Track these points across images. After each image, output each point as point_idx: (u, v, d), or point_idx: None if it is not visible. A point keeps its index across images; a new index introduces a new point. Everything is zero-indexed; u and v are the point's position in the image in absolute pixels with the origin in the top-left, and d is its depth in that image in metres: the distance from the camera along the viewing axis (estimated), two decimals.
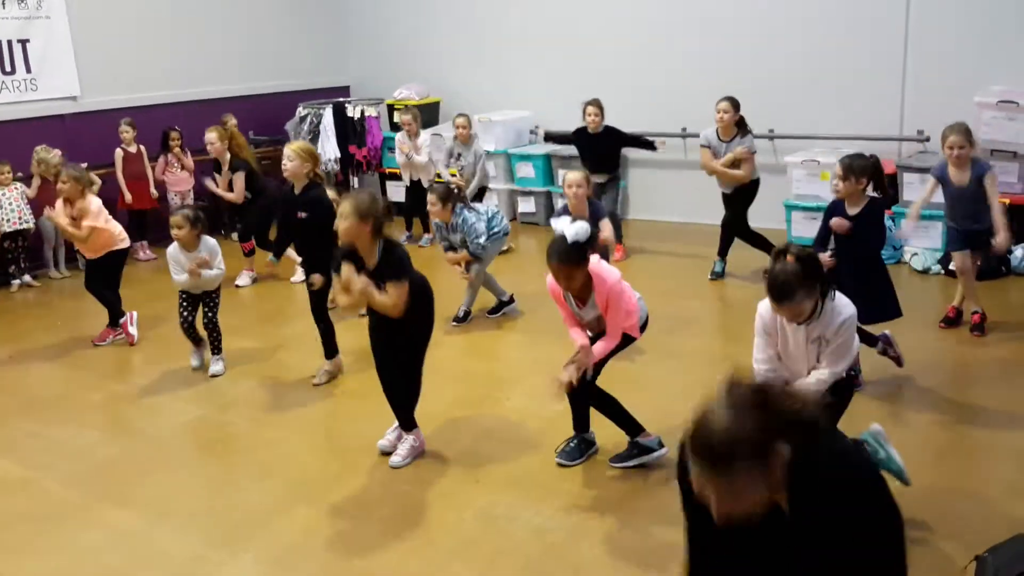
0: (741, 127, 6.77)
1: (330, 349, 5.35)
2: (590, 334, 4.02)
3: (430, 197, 6.17)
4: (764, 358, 3.51)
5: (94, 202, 5.95)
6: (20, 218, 7.64)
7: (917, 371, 5.16)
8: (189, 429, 4.91)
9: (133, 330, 6.18)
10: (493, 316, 6.38)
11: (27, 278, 7.80)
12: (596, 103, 7.46)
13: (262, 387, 5.35)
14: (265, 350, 5.97)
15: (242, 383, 5.42)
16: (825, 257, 4.67)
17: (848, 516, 1.92)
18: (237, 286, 7.43)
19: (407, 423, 4.34)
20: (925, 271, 6.93)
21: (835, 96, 7.89)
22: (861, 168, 4.72)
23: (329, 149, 9.53)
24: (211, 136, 7.33)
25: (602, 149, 7.51)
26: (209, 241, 5.46)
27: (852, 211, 4.79)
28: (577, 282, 3.79)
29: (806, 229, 7.57)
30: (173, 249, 5.40)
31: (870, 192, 4.84)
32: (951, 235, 5.70)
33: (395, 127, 9.62)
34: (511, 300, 6.48)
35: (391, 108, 9.93)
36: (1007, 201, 6.52)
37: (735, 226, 6.97)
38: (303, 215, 5.10)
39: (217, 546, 3.68)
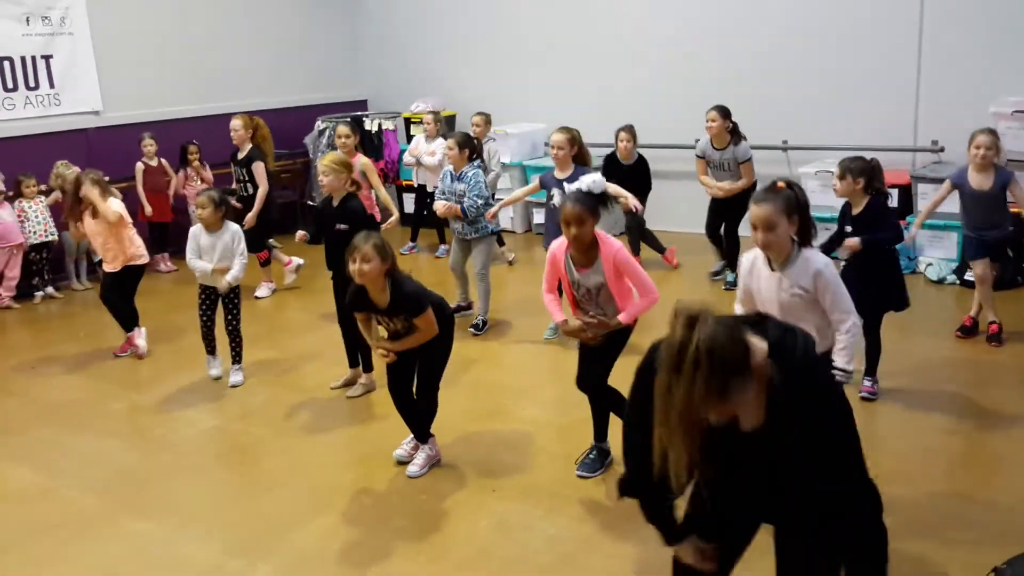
0: (734, 135, 6.77)
1: (362, 360, 5.39)
2: (584, 317, 3.97)
3: (448, 142, 6.29)
4: (738, 302, 3.60)
5: (115, 203, 6.00)
6: (46, 231, 7.75)
7: (933, 380, 5.16)
8: (208, 439, 4.97)
9: (141, 342, 6.23)
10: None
11: (50, 289, 7.91)
12: (629, 129, 7.27)
13: (279, 397, 5.41)
14: (282, 360, 6.02)
15: (260, 393, 5.48)
16: (852, 241, 4.78)
17: (817, 416, 2.09)
18: (257, 297, 7.50)
19: (423, 436, 4.39)
20: (940, 281, 6.92)
21: (849, 107, 7.90)
22: (859, 169, 4.78)
23: None
24: (236, 123, 7.28)
25: (635, 179, 7.04)
26: (232, 225, 5.49)
27: (855, 211, 4.86)
28: (586, 233, 3.78)
29: (820, 240, 7.57)
30: (195, 229, 5.47)
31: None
32: (968, 243, 5.70)
33: (412, 140, 9.71)
34: (468, 307, 6.62)
35: (408, 121, 10.01)
36: (1022, 212, 6.49)
37: (720, 230, 7.03)
38: (343, 227, 5.05)
39: (236, 555, 3.72)
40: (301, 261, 7.70)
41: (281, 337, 6.58)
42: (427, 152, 8.43)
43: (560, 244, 3.96)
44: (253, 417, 5.17)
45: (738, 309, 3.56)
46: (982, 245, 5.56)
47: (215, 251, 5.42)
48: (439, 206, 6.30)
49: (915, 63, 7.70)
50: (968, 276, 6.59)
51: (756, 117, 7.70)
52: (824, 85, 8.00)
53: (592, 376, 4.07)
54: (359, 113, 10.17)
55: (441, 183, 6.45)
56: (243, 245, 5.48)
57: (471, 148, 6.34)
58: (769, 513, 2.36)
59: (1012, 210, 5.76)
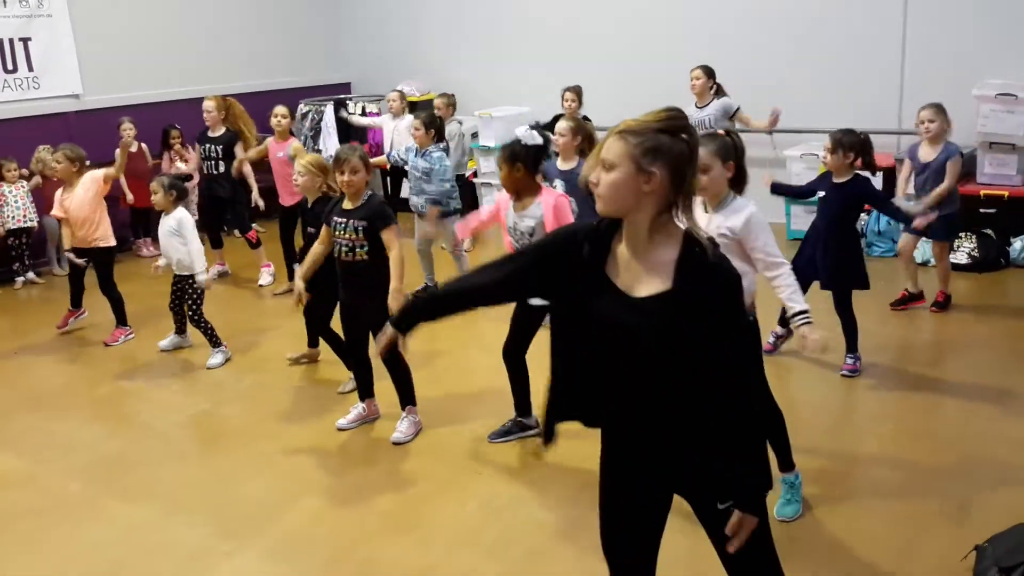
0: (718, 92, 6.91)
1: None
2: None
3: (415, 122, 6.38)
4: None
5: (92, 172, 6.02)
6: (25, 216, 7.67)
7: (913, 359, 5.21)
8: (193, 423, 4.94)
9: (73, 322, 6.40)
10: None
11: (31, 275, 7.84)
12: (575, 89, 7.47)
13: (265, 382, 5.39)
14: (265, 345, 6.00)
15: (246, 378, 5.46)
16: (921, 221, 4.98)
17: (723, 301, 2.07)
18: (260, 285, 7.41)
19: (408, 396, 4.48)
20: (924, 263, 6.96)
21: (834, 90, 7.91)
22: (850, 143, 4.85)
23: (331, 146, 9.54)
24: (208, 104, 7.28)
25: None
26: (180, 211, 5.59)
27: (837, 180, 4.92)
28: (514, 177, 4.07)
29: (806, 223, 7.59)
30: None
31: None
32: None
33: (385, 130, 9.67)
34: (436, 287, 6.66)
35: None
36: (1005, 194, 6.56)
37: None
38: (312, 230, 5.03)
39: (223, 538, 3.71)
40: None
41: (265, 322, 6.55)
42: (396, 130, 8.33)
43: (504, 197, 4.23)
44: (239, 402, 5.16)
45: None
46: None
47: (168, 232, 5.58)
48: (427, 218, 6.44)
49: (899, 46, 7.72)
50: (953, 258, 6.64)
51: (741, 100, 7.65)
52: (808, 68, 8.01)
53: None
54: (342, 96, 10.11)
55: (401, 155, 6.58)
56: (189, 232, 5.53)
57: (437, 129, 6.43)
58: (644, 415, 2.21)
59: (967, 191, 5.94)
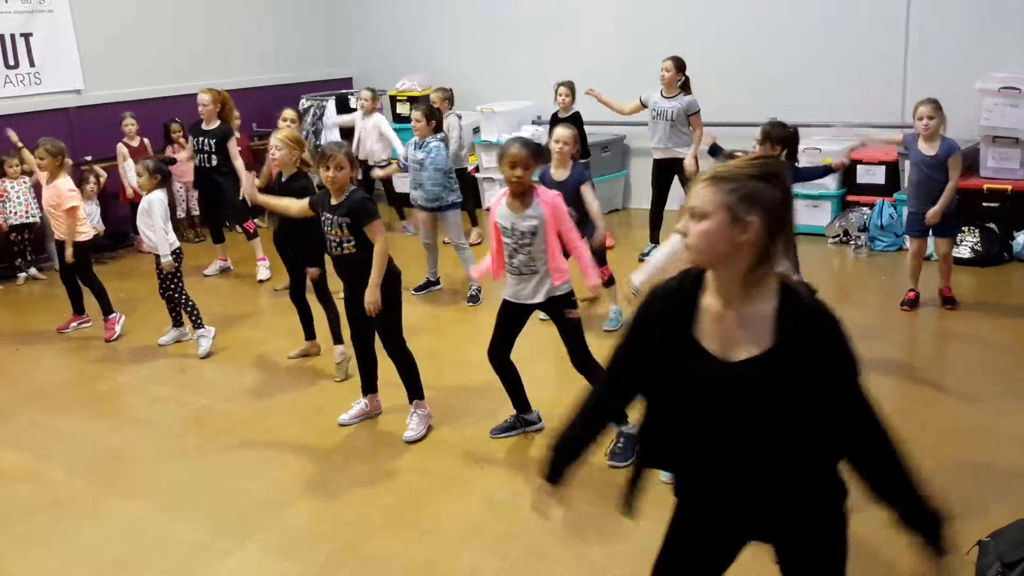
0: (684, 88, 6.99)
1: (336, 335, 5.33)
2: (516, 267, 4.07)
3: (415, 114, 6.40)
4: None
5: (67, 181, 6.07)
6: (27, 212, 7.67)
7: (914, 353, 5.20)
8: (194, 419, 4.94)
9: (73, 326, 6.38)
10: (418, 294, 6.61)
11: (33, 271, 7.84)
12: (568, 84, 7.51)
13: (265, 377, 5.39)
14: (268, 340, 5.99)
15: (246, 374, 5.46)
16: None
17: (833, 347, 1.93)
18: (260, 281, 7.39)
19: (416, 391, 4.47)
20: (927, 258, 6.93)
21: (836, 83, 7.89)
22: (779, 137, 4.90)
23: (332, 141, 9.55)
24: (204, 97, 7.25)
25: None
26: (154, 194, 5.64)
27: None
28: (528, 176, 4.01)
29: (807, 217, 7.60)
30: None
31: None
32: (910, 220, 5.78)
33: (398, 118, 9.64)
34: (436, 283, 6.78)
35: (393, 99, 9.94)
36: (1009, 188, 6.54)
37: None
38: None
39: (224, 534, 3.71)
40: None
41: (265, 318, 6.55)
42: (364, 128, 8.41)
43: (496, 198, 4.15)
44: (240, 397, 5.15)
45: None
46: (921, 220, 5.65)
47: (142, 212, 5.68)
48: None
49: (902, 39, 7.70)
50: (956, 252, 6.62)
51: (742, 94, 7.68)
52: (811, 62, 7.98)
53: (576, 360, 4.15)
54: (344, 91, 10.09)
55: (405, 150, 6.61)
56: (156, 214, 5.60)
57: (436, 120, 6.48)
58: (741, 488, 2.12)
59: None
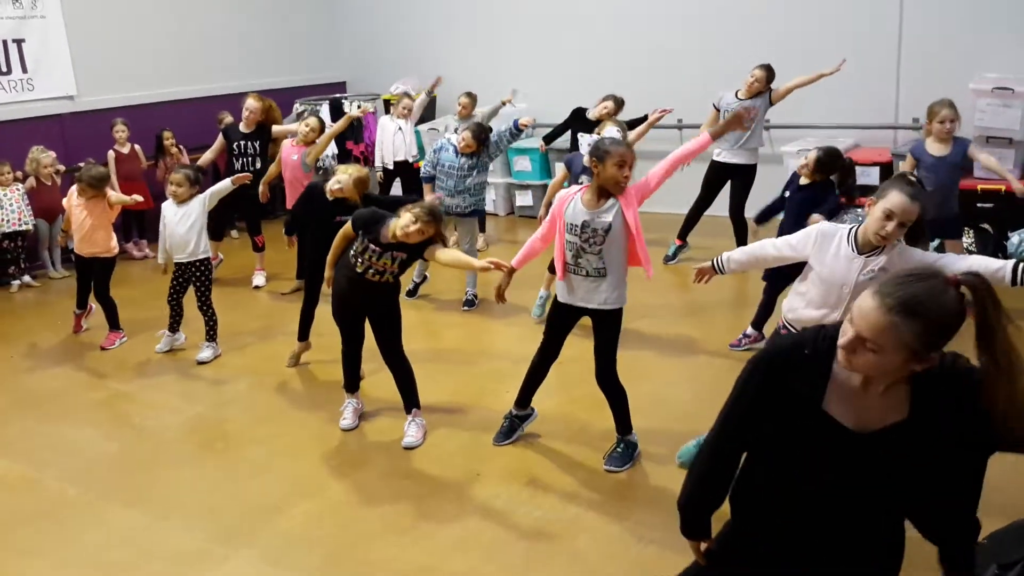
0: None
1: None
2: (583, 267, 3.92)
3: (464, 134, 6.28)
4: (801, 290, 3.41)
5: (112, 194, 6.11)
6: (20, 219, 7.64)
7: None
8: (189, 426, 4.93)
9: (85, 323, 6.43)
10: (411, 299, 6.63)
11: (27, 278, 7.81)
12: (618, 100, 7.09)
13: (261, 383, 5.38)
14: (264, 346, 5.99)
15: (241, 380, 5.45)
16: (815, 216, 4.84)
17: (970, 412, 1.84)
18: (256, 287, 7.40)
19: (413, 401, 4.49)
20: None
21: (830, 85, 7.87)
22: (831, 166, 5.15)
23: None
24: (252, 104, 7.24)
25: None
26: (196, 199, 5.72)
27: (803, 182, 5.19)
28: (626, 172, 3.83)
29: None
30: (164, 204, 5.78)
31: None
32: None
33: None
34: (423, 280, 6.86)
35: (387, 103, 9.93)
36: (1002, 188, 6.54)
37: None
38: (345, 218, 4.88)
39: (220, 541, 3.71)
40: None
41: (262, 324, 6.53)
42: (407, 131, 8.32)
43: (568, 192, 3.97)
44: (235, 404, 5.14)
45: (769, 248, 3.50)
46: (931, 227, 5.60)
47: (184, 219, 5.66)
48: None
49: (896, 40, 7.72)
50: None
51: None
52: (805, 64, 7.97)
53: (603, 373, 4.05)
54: (338, 95, 10.08)
55: (436, 155, 6.42)
56: (211, 192, 5.79)
57: (486, 143, 6.32)
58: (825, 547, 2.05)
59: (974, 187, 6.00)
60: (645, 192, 3.92)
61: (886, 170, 7.45)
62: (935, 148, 5.62)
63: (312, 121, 6.94)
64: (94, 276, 6.11)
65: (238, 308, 6.86)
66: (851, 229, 3.28)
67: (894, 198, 3.13)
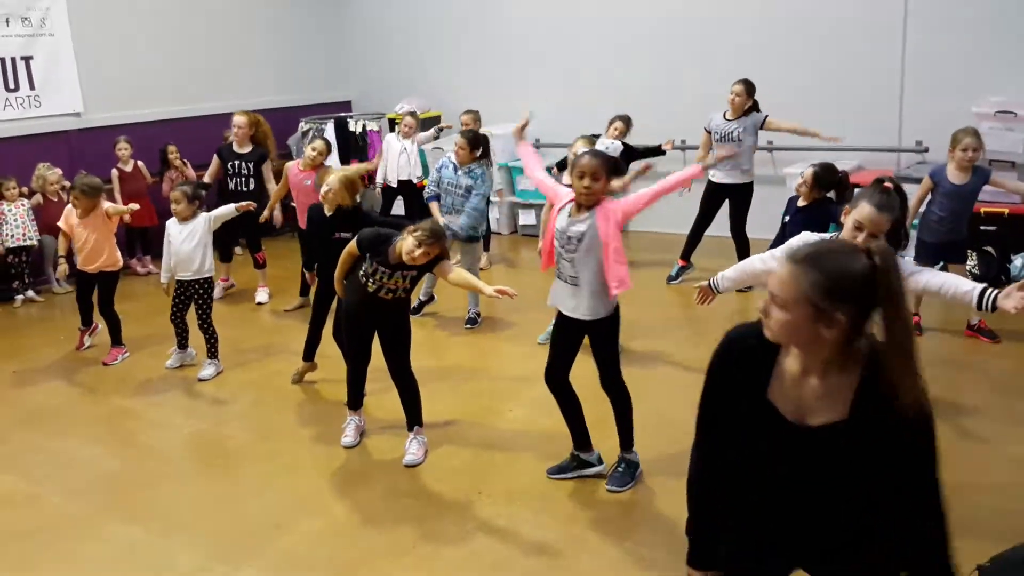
0: (753, 109, 7.01)
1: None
2: (563, 273, 3.91)
3: (459, 140, 6.30)
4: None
5: (106, 204, 6.08)
6: (24, 234, 7.67)
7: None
8: (191, 443, 4.92)
9: (88, 339, 6.40)
10: (415, 316, 6.54)
11: (30, 293, 7.82)
12: (625, 119, 7.27)
13: (264, 400, 5.38)
14: (267, 363, 5.99)
15: (244, 397, 5.45)
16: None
17: (912, 435, 1.87)
18: (259, 303, 7.43)
19: (416, 419, 4.49)
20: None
21: (833, 107, 7.93)
22: (827, 182, 5.21)
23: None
24: (240, 120, 7.26)
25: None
26: (200, 217, 5.72)
27: (801, 203, 5.27)
28: (598, 189, 3.76)
29: None
30: (168, 222, 5.81)
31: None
32: (920, 248, 5.80)
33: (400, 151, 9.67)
34: (431, 299, 6.85)
35: (392, 122, 9.98)
36: (1005, 211, 6.56)
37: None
38: (345, 235, 4.94)
39: (221, 559, 3.69)
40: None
41: (266, 340, 6.53)
42: (409, 151, 8.28)
43: (568, 194, 3.94)
44: (237, 421, 5.14)
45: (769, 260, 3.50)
46: (934, 250, 5.69)
47: (189, 237, 5.66)
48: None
49: (899, 64, 7.75)
50: None
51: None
52: (809, 87, 8.03)
53: (607, 380, 4.03)
54: (343, 114, 10.13)
55: (438, 173, 6.41)
56: (215, 216, 5.81)
57: (482, 147, 6.37)
58: (807, 549, 2.10)
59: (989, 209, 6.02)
60: (628, 211, 3.87)
61: None
62: (955, 176, 5.57)
63: (319, 144, 6.94)
64: (99, 290, 6.11)
65: (241, 325, 6.87)
66: (832, 239, 3.36)
67: (863, 210, 3.24)
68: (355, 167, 5.54)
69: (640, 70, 8.90)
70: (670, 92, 8.64)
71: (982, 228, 6.83)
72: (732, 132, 6.90)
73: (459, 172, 6.28)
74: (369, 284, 4.26)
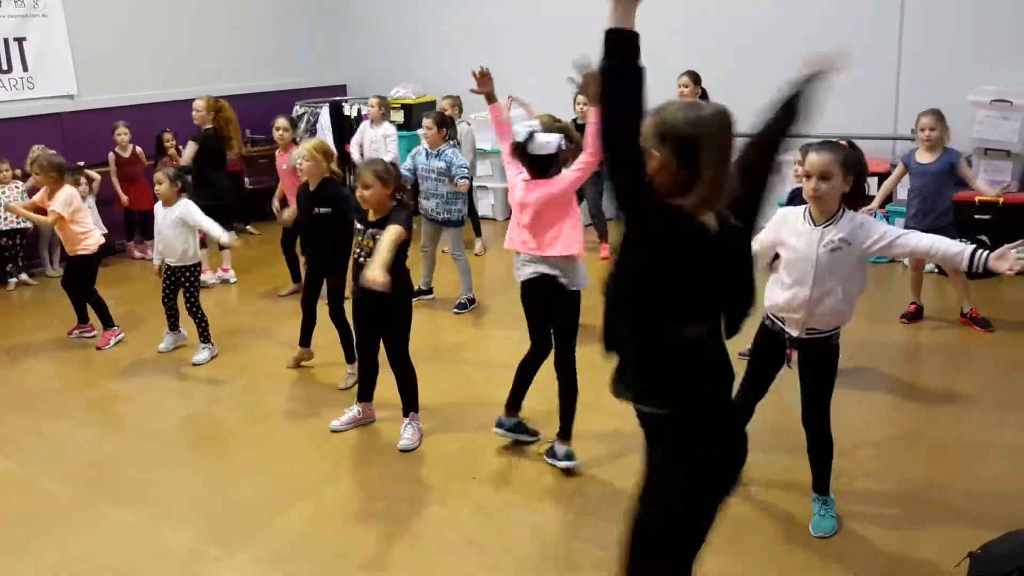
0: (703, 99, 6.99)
1: (351, 353, 5.25)
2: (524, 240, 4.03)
3: (426, 121, 6.36)
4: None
5: (65, 191, 5.95)
6: (18, 217, 7.63)
7: (908, 367, 5.21)
8: (185, 427, 4.92)
9: (113, 340, 6.20)
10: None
11: (24, 276, 7.81)
12: (690, 74, 7.33)
13: (258, 384, 5.38)
14: (261, 347, 5.98)
15: (237, 381, 5.44)
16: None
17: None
18: (223, 283, 7.51)
19: (412, 405, 4.50)
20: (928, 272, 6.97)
21: (829, 95, 7.91)
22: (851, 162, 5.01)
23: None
24: (199, 104, 7.27)
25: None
26: (184, 201, 5.67)
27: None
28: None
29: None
30: (157, 207, 5.77)
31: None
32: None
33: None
34: (429, 291, 6.78)
35: (388, 107, 9.94)
36: (1000, 200, 6.56)
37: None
38: (323, 210, 5.15)
39: (215, 543, 3.70)
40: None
41: (259, 324, 6.52)
42: (373, 137, 8.09)
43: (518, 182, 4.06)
44: (232, 404, 5.14)
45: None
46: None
47: (172, 224, 5.63)
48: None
49: (895, 51, 7.74)
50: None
51: (736, 106, 7.64)
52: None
53: (559, 360, 4.13)
54: (338, 98, 10.09)
55: (412, 161, 6.45)
56: (198, 216, 5.65)
57: (448, 127, 6.41)
58: None
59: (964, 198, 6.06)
60: (555, 189, 3.95)
61: (884, 180, 7.47)
62: (922, 156, 5.74)
63: (280, 122, 7.00)
64: (76, 274, 6.06)
65: (235, 309, 6.86)
66: (806, 207, 3.40)
67: (806, 158, 3.36)
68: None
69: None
70: (661, 78, 8.57)
71: (976, 217, 6.85)
72: None
73: (431, 157, 6.33)
74: (359, 255, 4.32)
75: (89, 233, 6.04)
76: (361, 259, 4.29)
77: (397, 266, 4.13)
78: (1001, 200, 6.60)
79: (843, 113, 7.74)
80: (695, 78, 7.08)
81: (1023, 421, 4.44)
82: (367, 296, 4.29)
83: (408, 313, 4.43)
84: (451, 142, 6.42)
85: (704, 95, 7.01)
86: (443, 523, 3.76)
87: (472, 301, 6.51)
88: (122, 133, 8.26)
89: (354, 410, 4.70)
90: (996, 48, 7.27)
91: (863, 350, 5.18)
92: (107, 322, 6.17)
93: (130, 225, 8.62)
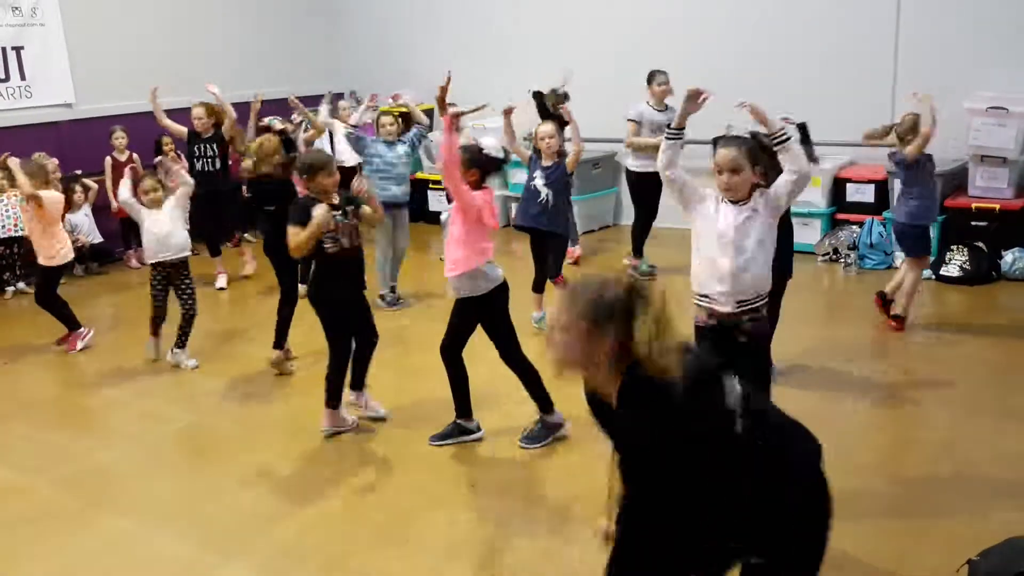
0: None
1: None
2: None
3: (387, 118, 6.84)
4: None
5: (51, 193, 6.04)
6: (16, 225, 7.63)
7: (904, 371, 5.20)
8: (182, 434, 4.92)
9: (80, 343, 6.18)
10: (395, 308, 6.71)
11: (21, 285, 7.79)
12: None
13: (254, 392, 5.37)
14: (256, 355, 5.95)
15: (235, 389, 5.43)
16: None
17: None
18: (220, 288, 7.49)
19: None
20: None
21: (825, 102, 7.91)
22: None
23: (342, 151, 9.50)
24: (199, 111, 7.38)
25: None
26: (170, 199, 5.73)
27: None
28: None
29: (798, 235, 7.60)
30: (143, 217, 5.72)
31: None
32: (899, 235, 5.96)
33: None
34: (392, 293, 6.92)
35: (383, 113, 9.95)
36: (997, 207, 6.58)
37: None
38: (268, 207, 5.49)
39: (212, 551, 3.69)
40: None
41: (254, 332, 6.50)
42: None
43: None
44: (228, 413, 5.13)
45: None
46: (911, 238, 5.74)
47: (165, 220, 5.63)
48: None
49: (891, 58, 7.75)
50: (945, 271, 6.69)
51: (732, 113, 7.68)
52: (800, 81, 8.03)
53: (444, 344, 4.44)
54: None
55: (371, 149, 6.76)
56: (180, 191, 5.78)
57: (406, 120, 7.00)
58: None
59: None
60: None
61: (881, 187, 7.49)
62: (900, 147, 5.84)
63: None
64: (39, 282, 6.09)
65: (234, 314, 6.85)
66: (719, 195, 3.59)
67: (716, 153, 3.56)
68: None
69: (633, 67, 8.85)
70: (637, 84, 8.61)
71: (973, 223, 6.86)
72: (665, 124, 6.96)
73: (391, 147, 6.72)
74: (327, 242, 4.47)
75: (61, 246, 6.07)
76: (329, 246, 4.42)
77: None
78: (998, 207, 6.63)
79: (839, 120, 7.81)
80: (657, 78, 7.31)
81: (1022, 426, 4.44)
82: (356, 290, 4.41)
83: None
84: (408, 134, 6.92)
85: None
86: (441, 530, 3.75)
87: (394, 291, 6.81)
88: (119, 137, 8.27)
89: (364, 397, 4.83)
90: (993, 55, 7.28)
91: (859, 357, 5.17)
92: (71, 324, 6.15)
93: (127, 233, 8.61)
